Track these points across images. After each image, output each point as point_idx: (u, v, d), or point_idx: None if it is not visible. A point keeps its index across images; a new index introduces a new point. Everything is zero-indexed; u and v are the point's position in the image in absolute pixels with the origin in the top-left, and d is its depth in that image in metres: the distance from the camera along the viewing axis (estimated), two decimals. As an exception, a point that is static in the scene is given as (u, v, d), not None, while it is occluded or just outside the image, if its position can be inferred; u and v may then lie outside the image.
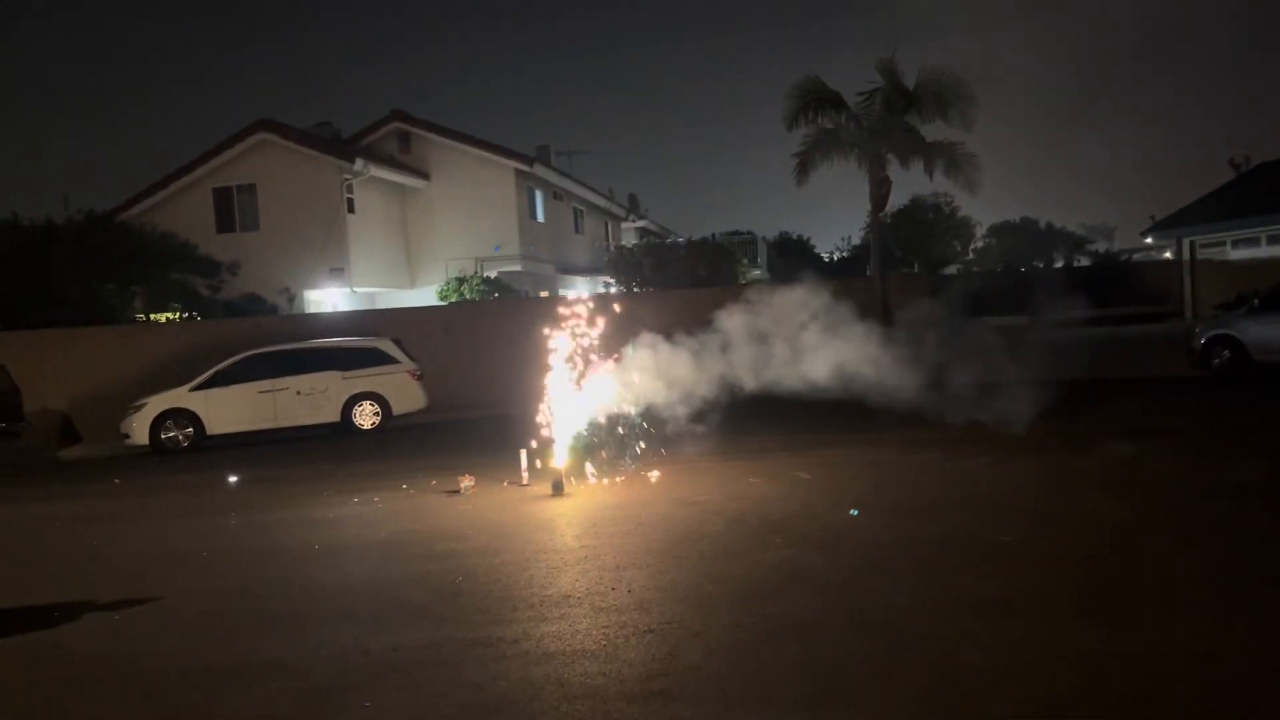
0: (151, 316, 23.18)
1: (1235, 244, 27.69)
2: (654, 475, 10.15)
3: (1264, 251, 26.29)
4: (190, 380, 16.48)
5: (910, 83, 21.97)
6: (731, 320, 11.25)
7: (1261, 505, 7.59)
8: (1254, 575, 5.86)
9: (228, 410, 16.32)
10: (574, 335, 10.55)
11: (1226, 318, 16.67)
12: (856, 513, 8.00)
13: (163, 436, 16.12)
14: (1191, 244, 27.92)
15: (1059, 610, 5.48)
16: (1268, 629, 4.98)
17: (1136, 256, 36.84)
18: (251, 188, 26.82)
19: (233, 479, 12.27)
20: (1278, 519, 7.15)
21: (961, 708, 4.33)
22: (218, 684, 5.25)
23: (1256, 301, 16.01)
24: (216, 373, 16.50)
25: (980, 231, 31.36)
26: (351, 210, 26.97)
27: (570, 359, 10.54)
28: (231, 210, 26.94)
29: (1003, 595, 5.78)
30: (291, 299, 25.91)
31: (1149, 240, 31.70)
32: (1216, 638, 4.93)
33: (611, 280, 27.62)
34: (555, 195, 33.76)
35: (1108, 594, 5.70)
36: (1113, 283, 27.00)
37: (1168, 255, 31.91)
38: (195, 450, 15.93)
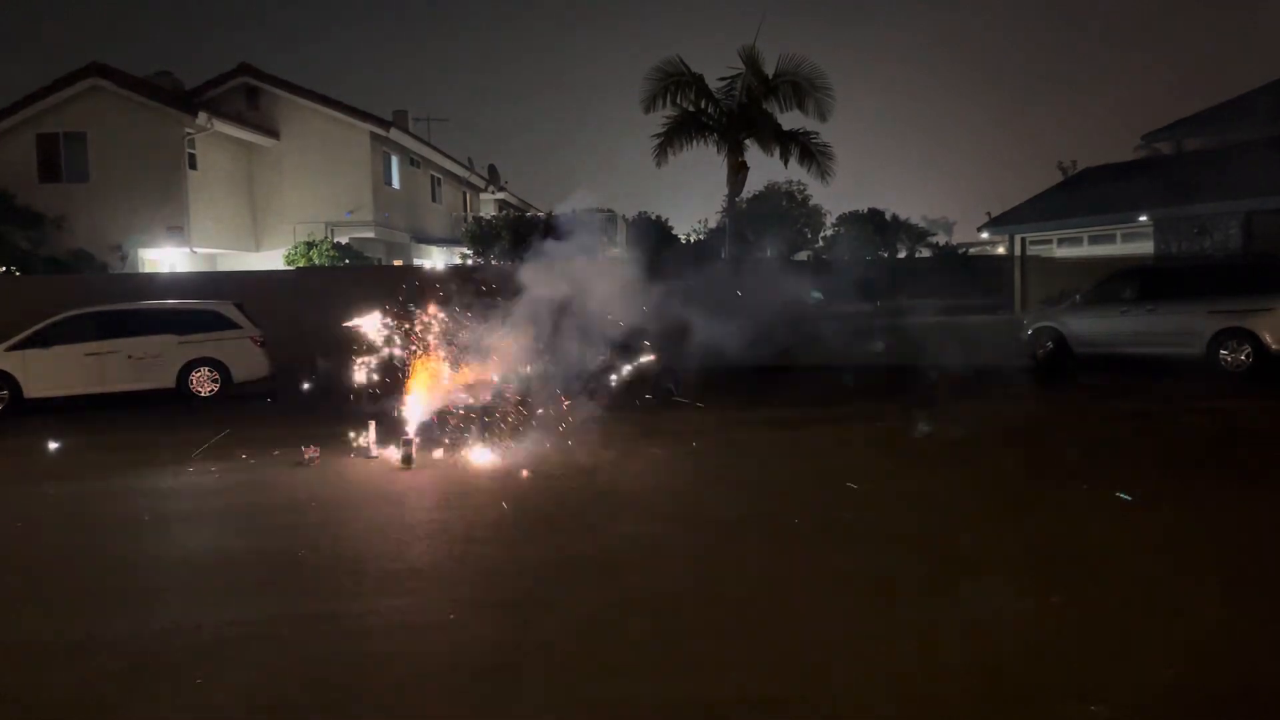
0: (-39, 270, 21.38)
1: (1061, 243, 29.52)
2: (506, 449, 10.05)
3: (1085, 251, 28.15)
4: (6, 340, 15.30)
5: (771, 70, 22.38)
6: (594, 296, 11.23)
7: (1069, 481, 8.13)
8: (1064, 548, 6.28)
9: (49, 373, 15.25)
10: (428, 305, 10.34)
11: (1051, 312, 17.81)
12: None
13: (-28, 399, 14.92)
14: (1023, 241, 29.57)
15: (898, 584, 5.73)
16: (1079, 597, 5.34)
17: (973, 250, 38.81)
18: (81, 136, 25.01)
19: (54, 445, 11.45)
20: (1088, 491, 7.68)
21: (809, 677, 4.47)
22: (31, 663, 4.90)
23: (1078, 298, 17.16)
24: (36, 332, 15.39)
25: (830, 220, 32.26)
26: (193, 166, 25.54)
27: (423, 330, 10.33)
28: (58, 159, 25.08)
29: (846, 569, 6.00)
30: (124, 258, 24.38)
31: (985, 235, 33.41)
32: (1038, 608, 5.25)
33: (469, 251, 27.15)
34: (412, 162, 32.88)
35: (941, 569, 5.99)
36: (951, 274, 28.34)
37: (1001, 250, 33.72)
38: (11, 415, 14.81)
